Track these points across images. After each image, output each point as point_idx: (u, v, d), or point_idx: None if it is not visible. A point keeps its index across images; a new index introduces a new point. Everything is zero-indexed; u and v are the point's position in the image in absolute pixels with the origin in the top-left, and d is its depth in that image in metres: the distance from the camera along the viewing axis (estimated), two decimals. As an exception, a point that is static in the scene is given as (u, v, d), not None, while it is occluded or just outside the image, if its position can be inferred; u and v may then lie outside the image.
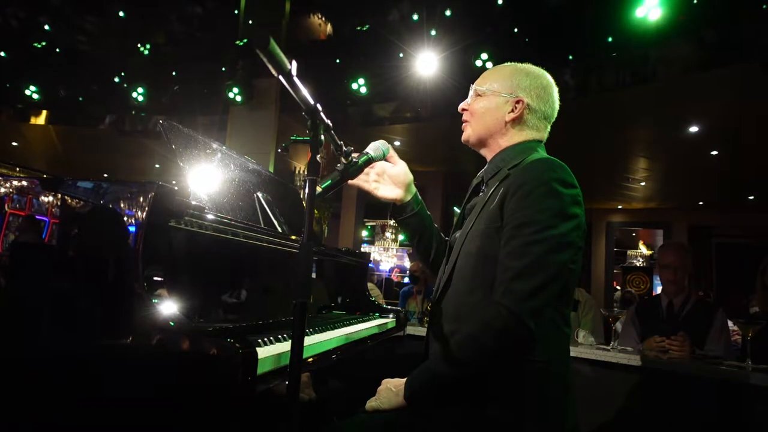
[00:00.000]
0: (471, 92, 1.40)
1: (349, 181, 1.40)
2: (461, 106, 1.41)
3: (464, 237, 1.27)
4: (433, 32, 5.63)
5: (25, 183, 1.25)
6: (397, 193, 1.48)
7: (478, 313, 1.15)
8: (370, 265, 2.74)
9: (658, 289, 3.27)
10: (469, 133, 1.38)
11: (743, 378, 2.13)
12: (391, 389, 1.23)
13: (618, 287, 11.31)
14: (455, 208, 8.87)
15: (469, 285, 1.22)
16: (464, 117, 1.40)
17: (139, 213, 1.06)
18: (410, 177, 1.50)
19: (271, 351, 1.14)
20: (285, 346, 1.20)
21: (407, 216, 1.51)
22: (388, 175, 1.48)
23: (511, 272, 1.11)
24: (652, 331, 2.77)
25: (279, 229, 1.81)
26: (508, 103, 1.32)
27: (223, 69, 6.43)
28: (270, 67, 0.89)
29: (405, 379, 1.22)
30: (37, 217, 1.20)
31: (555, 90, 1.37)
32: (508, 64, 1.39)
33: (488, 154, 1.38)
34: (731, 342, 2.71)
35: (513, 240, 1.13)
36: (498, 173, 1.30)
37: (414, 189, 1.52)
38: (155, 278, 1.07)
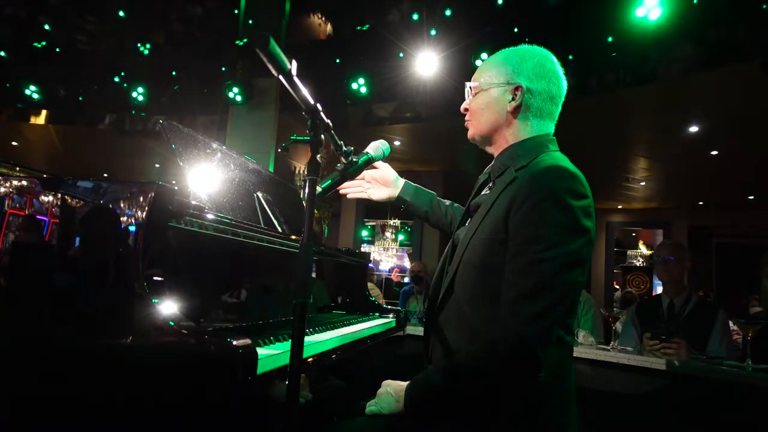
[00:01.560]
0: (468, 90, 1.34)
1: (348, 196, 1.65)
2: (462, 106, 1.37)
3: (468, 241, 1.23)
4: (433, 32, 5.62)
5: (25, 183, 1.25)
6: (387, 192, 1.64)
7: (484, 332, 1.12)
8: (370, 265, 2.74)
9: (659, 289, 3.27)
10: (472, 131, 1.34)
11: (743, 378, 2.13)
12: (391, 394, 1.21)
13: (618, 287, 11.30)
14: (455, 208, 8.85)
15: (470, 295, 1.19)
16: (467, 117, 1.36)
17: (139, 213, 1.06)
18: (393, 174, 1.65)
19: (271, 351, 1.14)
20: (285, 346, 1.20)
21: (406, 207, 1.66)
22: (374, 180, 1.64)
23: (518, 292, 1.06)
24: (652, 331, 2.78)
25: (279, 229, 1.81)
26: (507, 93, 1.25)
27: (223, 69, 6.43)
28: (270, 67, 0.89)
29: (405, 385, 1.20)
30: (37, 216, 1.20)
31: (556, 65, 1.29)
32: (500, 51, 1.32)
33: (495, 150, 1.32)
34: (733, 343, 2.71)
35: (520, 256, 1.07)
36: (505, 172, 1.24)
37: (401, 182, 1.65)
38: (155, 278, 1.07)
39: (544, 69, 1.26)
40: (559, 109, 1.31)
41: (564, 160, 1.20)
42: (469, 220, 1.33)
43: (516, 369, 1.07)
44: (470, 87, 1.33)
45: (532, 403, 1.11)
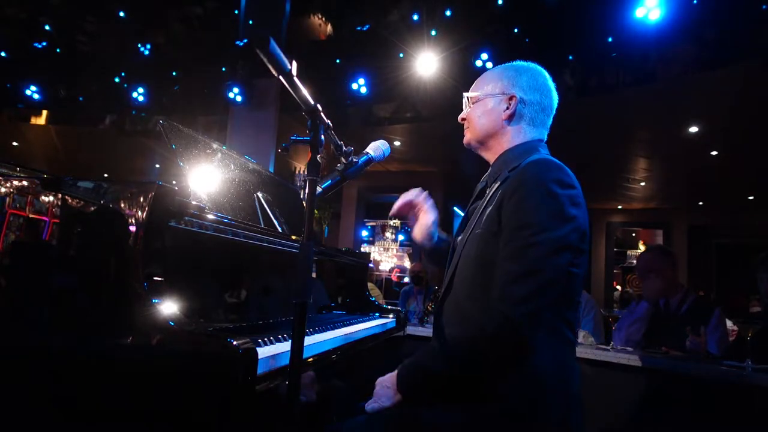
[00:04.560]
0: (466, 101, 1.42)
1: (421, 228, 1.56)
2: (460, 116, 1.44)
3: (466, 238, 1.28)
4: (433, 32, 5.62)
5: (25, 183, 1.25)
6: (423, 236, 1.58)
7: (475, 316, 1.15)
8: (370, 265, 2.74)
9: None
10: (468, 137, 1.41)
11: (743, 378, 2.13)
12: (387, 387, 1.24)
13: (618, 287, 11.31)
14: (455, 208, 8.86)
15: (468, 290, 1.22)
16: (465, 126, 1.42)
17: (139, 213, 1.06)
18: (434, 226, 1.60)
19: (271, 351, 1.14)
20: (285, 346, 1.20)
21: (430, 249, 1.60)
22: (421, 226, 1.58)
23: (507, 276, 1.10)
24: (649, 329, 2.77)
25: (279, 229, 1.81)
26: (502, 102, 1.33)
27: (223, 69, 6.43)
28: (270, 67, 0.89)
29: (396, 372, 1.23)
30: (37, 217, 1.20)
31: (548, 80, 1.37)
32: (497, 66, 1.41)
33: (491, 156, 1.38)
34: (728, 341, 2.70)
35: (510, 243, 1.12)
36: (500, 176, 1.29)
37: (436, 234, 1.60)
38: (155, 278, 1.07)
39: (537, 82, 1.34)
40: (551, 120, 1.39)
41: (552, 157, 1.26)
42: (466, 225, 1.37)
43: (503, 347, 1.09)
44: (468, 98, 1.41)
45: (532, 392, 1.11)
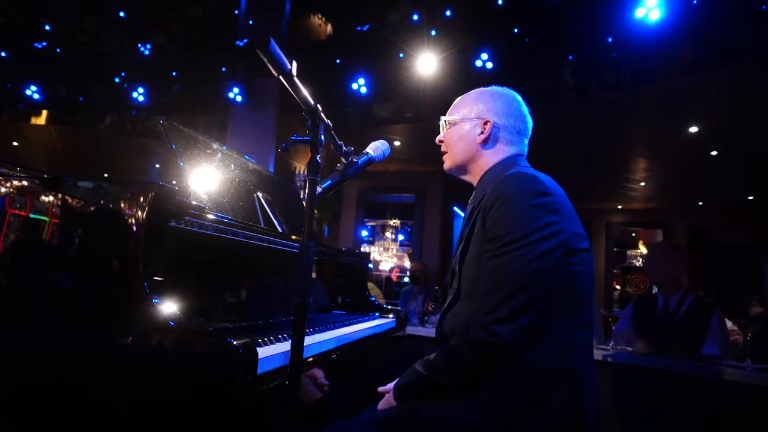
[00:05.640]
0: (443, 124, 1.47)
1: None
2: (437, 139, 1.49)
3: (462, 262, 1.31)
4: (433, 32, 5.62)
5: (25, 183, 1.25)
6: None
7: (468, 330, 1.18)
8: (370, 265, 2.74)
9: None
10: (448, 163, 1.47)
11: (743, 378, 2.13)
12: (389, 399, 1.29)
13: (618, 287, 11.30)
14: (455, 208, 8.86)
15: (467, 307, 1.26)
16: (442, 149, 1.48)
17: (139, 213, 1.06)
18: None
19: (271, 351, 1.15)
20: (285, 346, 1.21)
21: None
22: None
23: (483, 286, 1.15)
24: (647, 329, 2.77)
25: (279, 229, 1.81)
26: (477, 126, 1.39)
27: (223, 69, 6.43)
28: (270, 67, 0.89)
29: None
30: (37, 217, 1.20)
31: (522, 105, 1.44)
32: (474, 90, 1.47)
33: (473, 179, 1.43)
34: (731, 342, 2.70)
35: (485, 254, 1.18)
36: (485, 196, 1.31)
37: None
38: (155, 278, 1.07)
39: (511, 108, 1.41)
40: (528, 140, 1.44)
41: (528, 169, 1.30)
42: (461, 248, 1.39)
43: (483, 353, 1.12)
44: (445, 121, 1.47)
45: (533, 394, 1.11)
